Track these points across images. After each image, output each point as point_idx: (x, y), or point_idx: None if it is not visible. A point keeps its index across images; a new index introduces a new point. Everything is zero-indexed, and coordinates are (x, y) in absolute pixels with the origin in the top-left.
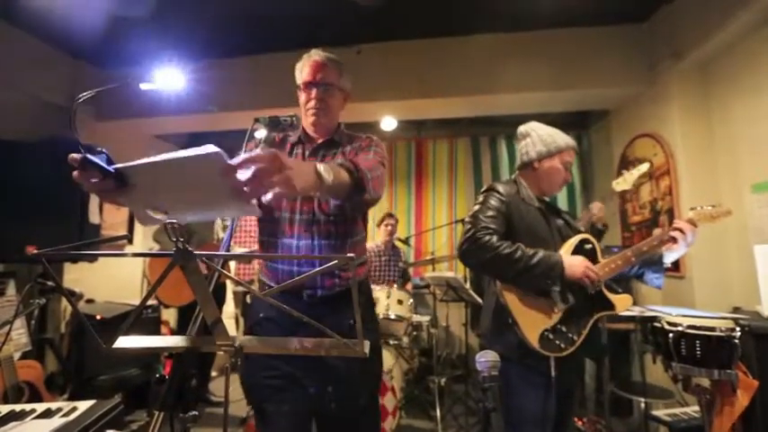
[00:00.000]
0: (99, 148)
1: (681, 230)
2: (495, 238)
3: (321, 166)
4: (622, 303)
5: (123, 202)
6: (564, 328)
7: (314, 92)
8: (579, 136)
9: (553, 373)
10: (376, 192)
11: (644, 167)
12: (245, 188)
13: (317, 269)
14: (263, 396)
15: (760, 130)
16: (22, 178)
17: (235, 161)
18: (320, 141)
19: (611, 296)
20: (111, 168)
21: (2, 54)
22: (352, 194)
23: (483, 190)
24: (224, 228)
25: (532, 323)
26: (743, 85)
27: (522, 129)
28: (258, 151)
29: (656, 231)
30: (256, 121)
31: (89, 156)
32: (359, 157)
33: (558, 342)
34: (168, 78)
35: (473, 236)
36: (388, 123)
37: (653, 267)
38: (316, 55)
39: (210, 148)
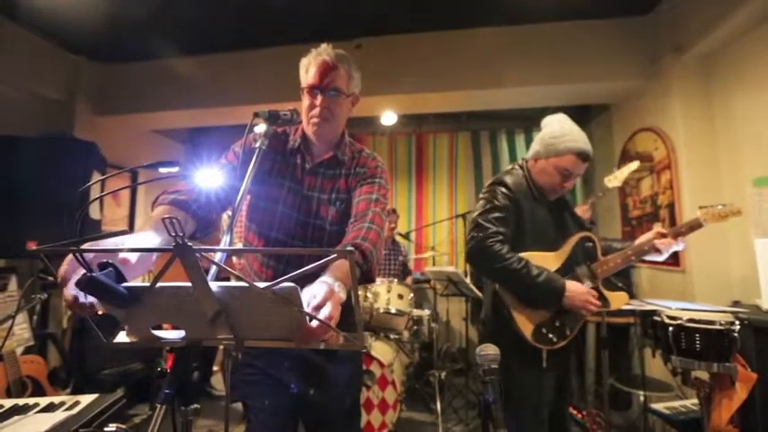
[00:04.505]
0: (105, 261)
1: (665, 244)
2: (505, 249)
3: (336, 285)
4: (617, 301)
5: (119, 317)
6: (558, 323)
7: (319, 98)
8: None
9: (544, 365)
10: (375, 270)
11: (634, 165)
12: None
13: (312, 265)
14: (245, 393)
15: (762, 125)
16: (23, 173)
17: (314, 306)
18: (322, 159)
19: (607, 293)
20: (122, 289)
21: (1, 50)
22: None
23: (490, 182)
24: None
25: (528, 317)
26: (745, 79)
27: (543, 120)
28: (323, 293)
29: (657, 227)
30: (256, 115)
31: (97, 276)
32: (360, 211)
33: (551, 336)
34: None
35: (483, 241)
36: (389, 118)
37: None
38: (325, 53)
39: (290, 285)
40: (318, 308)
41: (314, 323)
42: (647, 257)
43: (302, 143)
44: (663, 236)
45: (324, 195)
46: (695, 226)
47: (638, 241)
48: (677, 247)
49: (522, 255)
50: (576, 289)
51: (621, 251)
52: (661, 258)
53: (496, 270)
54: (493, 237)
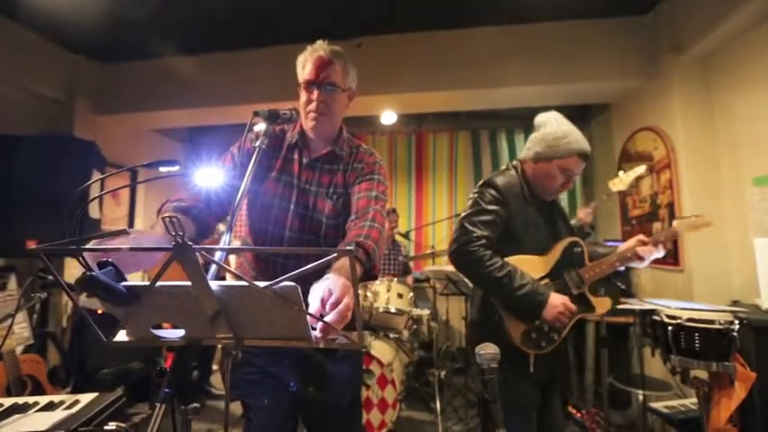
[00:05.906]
0: (105, 259)
1: (646, 251)
2: (487, 254)
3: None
4: (602, 306)
5: (119, 316)
6: (546, 328)
7: (316, 93)
8: (580, 130)
9: (531, 369)
10: (378, 267)
11: (641, 169)
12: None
13: (315, 263)
14: (244, 392)
15: (761, 124)
16: (23, 173)
17: (333, 302)
18: (319, 154)
19: (593, 299)
20: (122, 288)
21: (1, 49)
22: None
23: (480, 183)
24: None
25: (518, 321)
26: (745, 78)
27: (538, 119)
28: (339, 288)
29: (656, 226)
30: (255, 114)
31: (97, 274)
32: (361, 209)
33: (539, 340)
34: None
35: (465, 246)
36: (388, 117)
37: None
38: (321, 49)
39: (290, 284)
40: (337, 303)
41: (331, 316)
42: (630, 264)
43: (300, 139)
44: (644, 243)
45: (321, 189)
46: (672, 236)
47: (620, 248)
48: (658, 254)
49: (511, 258)
50: (552, 302)
51: (606, 258)
52: (642, 265)
53: (477, 276)
54: (475, 241)
